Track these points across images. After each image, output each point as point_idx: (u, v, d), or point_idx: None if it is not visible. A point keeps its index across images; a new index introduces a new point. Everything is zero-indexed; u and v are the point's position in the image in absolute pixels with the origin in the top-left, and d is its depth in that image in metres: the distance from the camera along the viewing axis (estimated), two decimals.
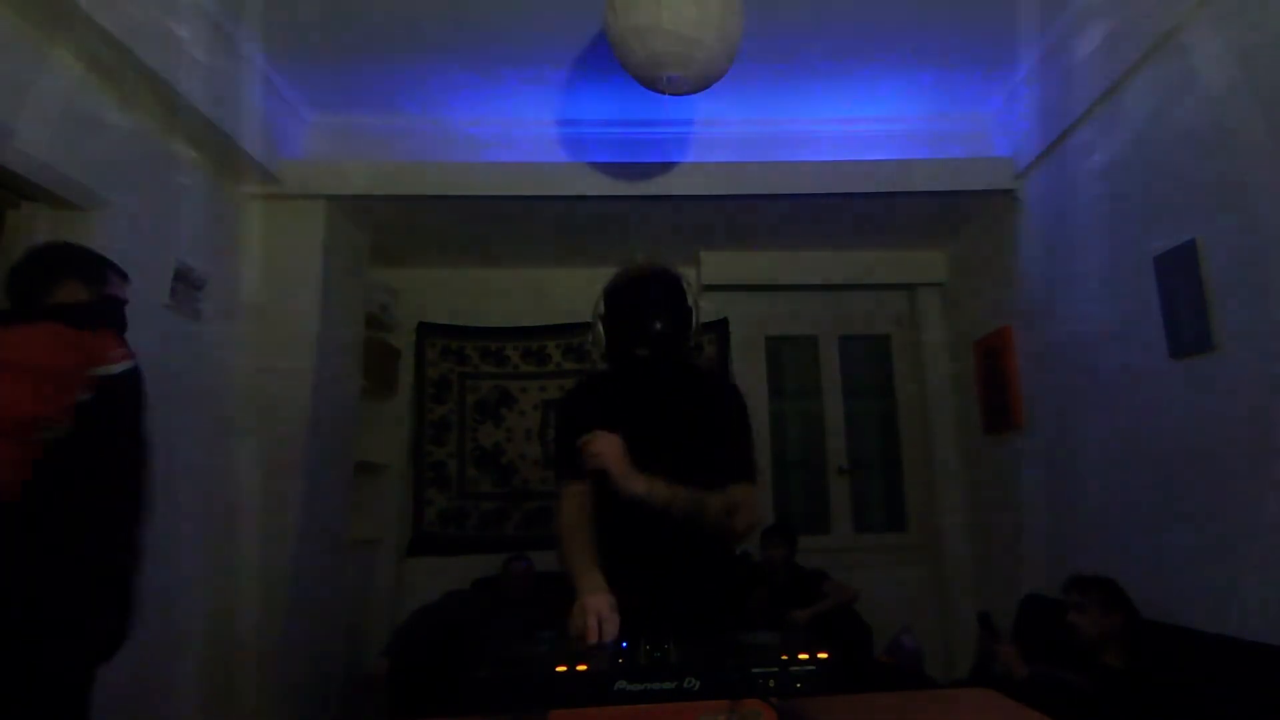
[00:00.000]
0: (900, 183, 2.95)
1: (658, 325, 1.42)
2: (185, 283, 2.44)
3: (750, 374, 3.73)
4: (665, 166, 2.96)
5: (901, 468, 3.79)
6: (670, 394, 1.54)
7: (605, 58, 2.49)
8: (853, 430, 3.82)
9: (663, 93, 2.05)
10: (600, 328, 1.48)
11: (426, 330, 3.76)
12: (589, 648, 1.11)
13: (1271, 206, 1.75)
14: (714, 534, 1.45)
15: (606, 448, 1.38)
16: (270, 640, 2.54)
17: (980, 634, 2.33)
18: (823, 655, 0.95)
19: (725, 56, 1.98)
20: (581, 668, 0.95)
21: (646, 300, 1.46)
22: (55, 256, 1.60)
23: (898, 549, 3.69)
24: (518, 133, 3.03)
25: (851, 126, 3.07)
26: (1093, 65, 2.37)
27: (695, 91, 2.08)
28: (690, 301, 1.49)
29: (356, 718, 3.12)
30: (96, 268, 1.61)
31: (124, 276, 1.67)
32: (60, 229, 2.04)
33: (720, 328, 3.75)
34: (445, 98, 2.89)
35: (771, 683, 0.93)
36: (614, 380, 1.57)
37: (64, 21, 1.84)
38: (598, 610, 1.20)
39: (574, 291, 3.74)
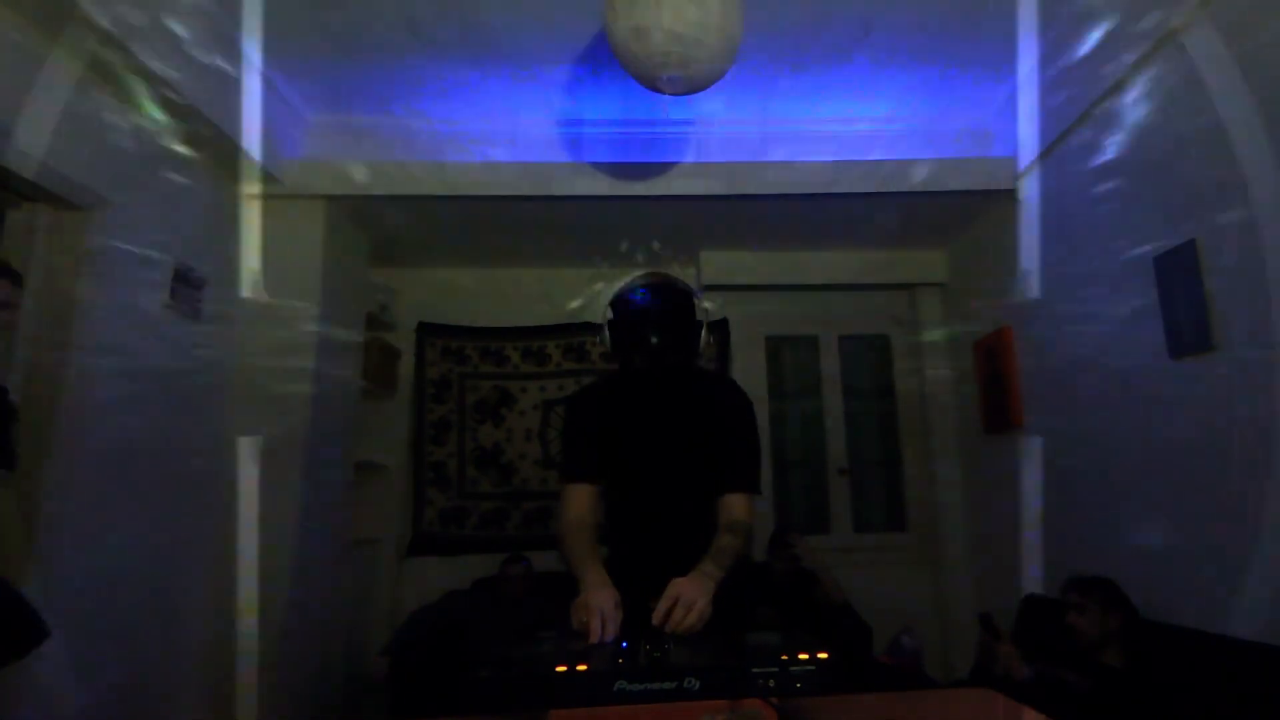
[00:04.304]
0: (900, 183, 2.95)
1: (654, 340, 1.44)
2: (185, 283, 2.44)
3: (750, 374, 3.73)
4: (665, 166, 2.96)
5: (901, 468, 3.79)
6: (675, 399, 1.54)
7: (605, 58, 2.49)
8: (853, 430, 3.81)
9: (663, 93, 2.05)
10: (608, 333, 1.49)
11: (426, 330, 3.76)
12: (590, 647, 1.11)
13: (1271, 206, 1.75)
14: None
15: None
16: (270, 640, 2.54)
17: (980, 634, 2.32)
18: (823, 655, 0.95)
19: (725, 56, 1.98)
20: (581, 668, 0.95)
21: (647, 316, 1.47)
22: None
23: (898, 549, 3.69)
24: (518, 133, 3.02)
25: (851, 126, 3.06)
26: (1093, 65, 2.37)
27: (695, 91, 2.07)
28: (698, 315, 1.49)
29: (356, 718, 3.12)
30: None
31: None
32: (60, 229, 2.04)
33: (720, 328, 3.75)
34: (445, 98, 2.89)
35: (771, 683, 0.93)
36: (622, 383, 1.58)
37: (64, 21, 1.84)
38: (601, 608, 1.19)
39: (574, 291, 3.76)
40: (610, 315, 1.49)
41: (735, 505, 1.50)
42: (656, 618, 1.18)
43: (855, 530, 3.71)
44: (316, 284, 2.82)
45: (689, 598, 1.22)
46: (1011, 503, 3.06)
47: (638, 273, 1.57)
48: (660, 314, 1.46)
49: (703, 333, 1.49)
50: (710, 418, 1.55)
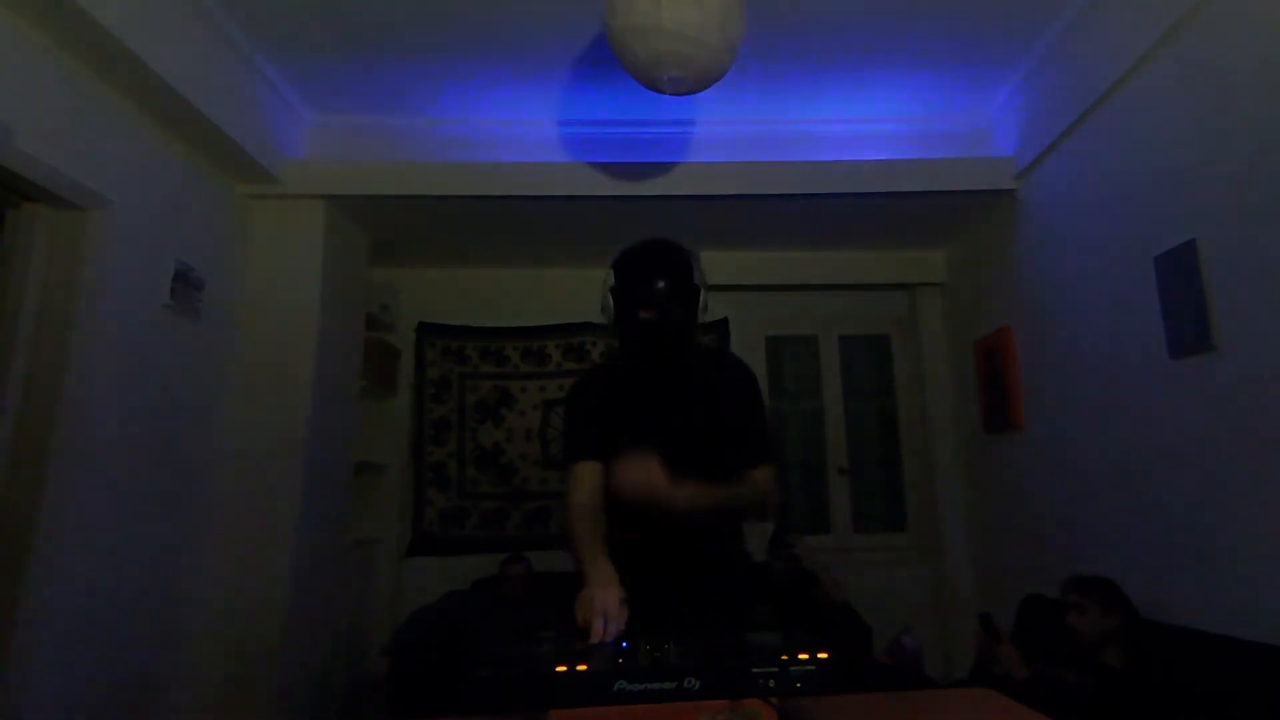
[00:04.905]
0: (900, 183, 2.95)
1: (660, 284, 1.42)
2: (185, 283, 2.44)
3: None
4: (665, 166, 2.96)
5: (901, 468, 3.79)
6: (681, 375, 1.53)
7: (605, 58, 2.49)
8: (853, 430, 3.82)
9: (663, 93, 2.05)
10: (610, 299, 1.47)
11: (426, 330, 3.76)
12: (590, 646, 1.11)
13: (1271, 206, 1.75)
14: (749, 518, 1.51)
15: (644, 475, 1.32)
16: (270, 640, 2.54)
17: (980, 634, 2.32)
18: (823, 655, 0.95)
19: (726, 56, 1.98)
20: (581, 668, 0.95)
21: (650, 263, 1.46)
22: None
23: (898, 549, 3.69)
24: (518, 133, 3.03)
25: (851, 126, 3.07)
26: (1093, 65, 2.37)
27: (695, 91, 2.07)
28: (697, 276, 1.48)
29: (356, 718, 3.13)
30: None
31: None
32: (60, 229, 2.04)
33: (720, 328, 3.75)
34: (445, 98, 2.89)
35: (771, 683, 0.93)
36: (628, 363, 1.57)
37: (64, 21, 1.84)
38: (605, 607, 1.19)
39: (574, 291, 3.76)
40: (612, 280, 1.48)
41: (762, 479, 1.51)
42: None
43: (855, 530, 3.71)
44: (316, 284, 2.82)
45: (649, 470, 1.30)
46: (1011, 503, 3.06)
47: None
48: (659, 263, 1.46)
49: (702, 295, 1.48)
50: (717, 395, 1.54)
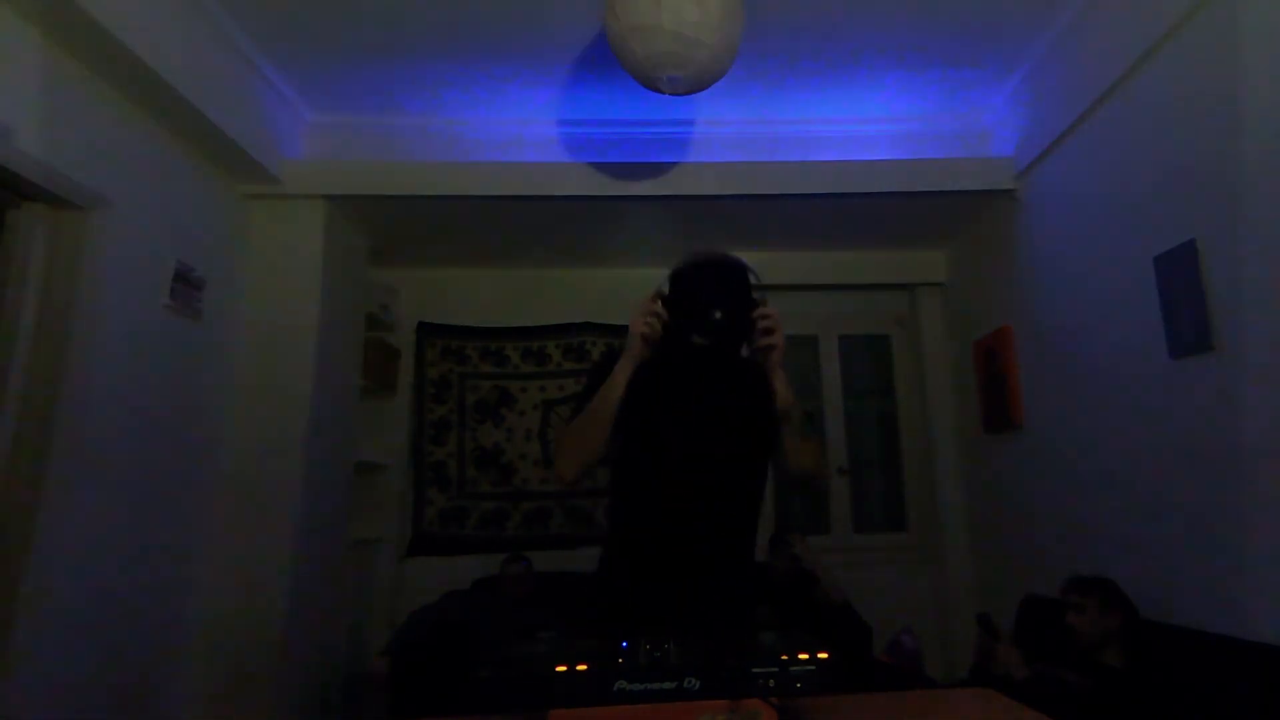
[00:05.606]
0: (900, 183, 2.95)
1: (718, 315, 1.38)
2: (185, 283, 2.44)
3: None
4: (665, 166, 2.96)
5: (901, 468, 3.79)
6: (721, 375, 1.51)
7: (605, 58, 2.49)
8: (853, 430, 3.82)
9: (663, 93, 2.05)
10: (662, 306, 1.43)
11: (426, 330, 3.76)
12: (590, 647, 1.10)
13: (1271, 206, 1.75)
14: (806, 468, 1.54)
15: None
16: (270, 640, 2.54)
17: (980, 634, 2.32)
18: (823, 655, 0.95)
19: (725, 56, 1.98)
20: (581, 667, 0.95)
21: (710, 288, 1.42)
22: None
23: (897, 549, 3.69)
24: (518, 133, 3.03)
25: (851, 126, 3.07)
26: (1093, 65, 2.37)
27: (695, 91, 2.07)
28: (755, 295, 1.44)
29: (356, 718, 3.12)
30: None
31: None
32: (60, 229, 2.04)
33: None
34: (445, 98, 2.89)
35: (771, 683, 0.93)
36: (665, 356, 1.49)
37: (64, 21, 1.84)
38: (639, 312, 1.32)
39: (574, 291, 3.76)
40: (665, 289, 1.44)
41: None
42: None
43: (855, 530, 3.71)
44: (316, 284, 2.82)
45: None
46: (1011, 503, 3.06)
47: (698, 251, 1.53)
48: (719, 289, 1.41)
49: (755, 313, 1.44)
50: (751, 386, 1.49)
